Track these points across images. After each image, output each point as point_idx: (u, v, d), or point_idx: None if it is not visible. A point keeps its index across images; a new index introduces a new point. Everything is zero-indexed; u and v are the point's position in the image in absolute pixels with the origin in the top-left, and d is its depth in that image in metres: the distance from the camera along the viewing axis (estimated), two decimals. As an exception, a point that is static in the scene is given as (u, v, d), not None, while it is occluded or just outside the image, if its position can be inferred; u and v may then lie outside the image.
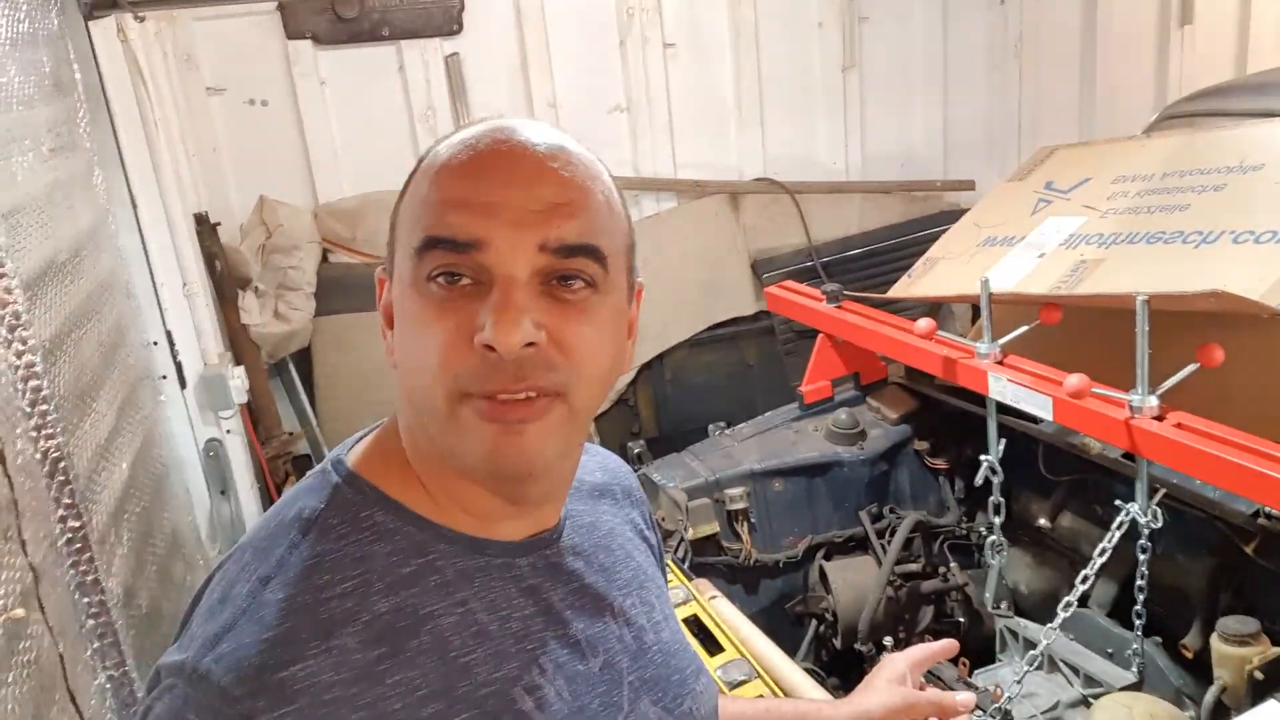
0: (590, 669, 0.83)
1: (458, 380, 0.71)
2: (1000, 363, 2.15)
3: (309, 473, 0.84)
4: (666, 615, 0.95)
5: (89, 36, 2.16)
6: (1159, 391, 1.80)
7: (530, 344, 0.70)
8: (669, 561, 2.22)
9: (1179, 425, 1.76)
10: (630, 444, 3.82)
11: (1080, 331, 2.26)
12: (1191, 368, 1.81)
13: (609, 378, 0.79)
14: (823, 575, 2.54)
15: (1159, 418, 1.79)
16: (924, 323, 2.28)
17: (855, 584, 2.48)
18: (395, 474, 0.80)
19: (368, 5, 3.72)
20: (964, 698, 1.06)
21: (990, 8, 4.39)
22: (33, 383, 1.38)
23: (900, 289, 2.69)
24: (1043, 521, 2.38)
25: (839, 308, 2.67)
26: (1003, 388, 2.09)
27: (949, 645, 1.03)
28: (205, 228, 3.40)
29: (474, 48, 3.80)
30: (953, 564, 2.54)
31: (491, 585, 0.79)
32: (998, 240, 2.53)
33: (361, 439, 0.85)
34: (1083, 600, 2.10)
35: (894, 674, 1.05)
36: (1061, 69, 4.33)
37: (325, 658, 0.70)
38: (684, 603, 2.01)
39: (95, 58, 2.18)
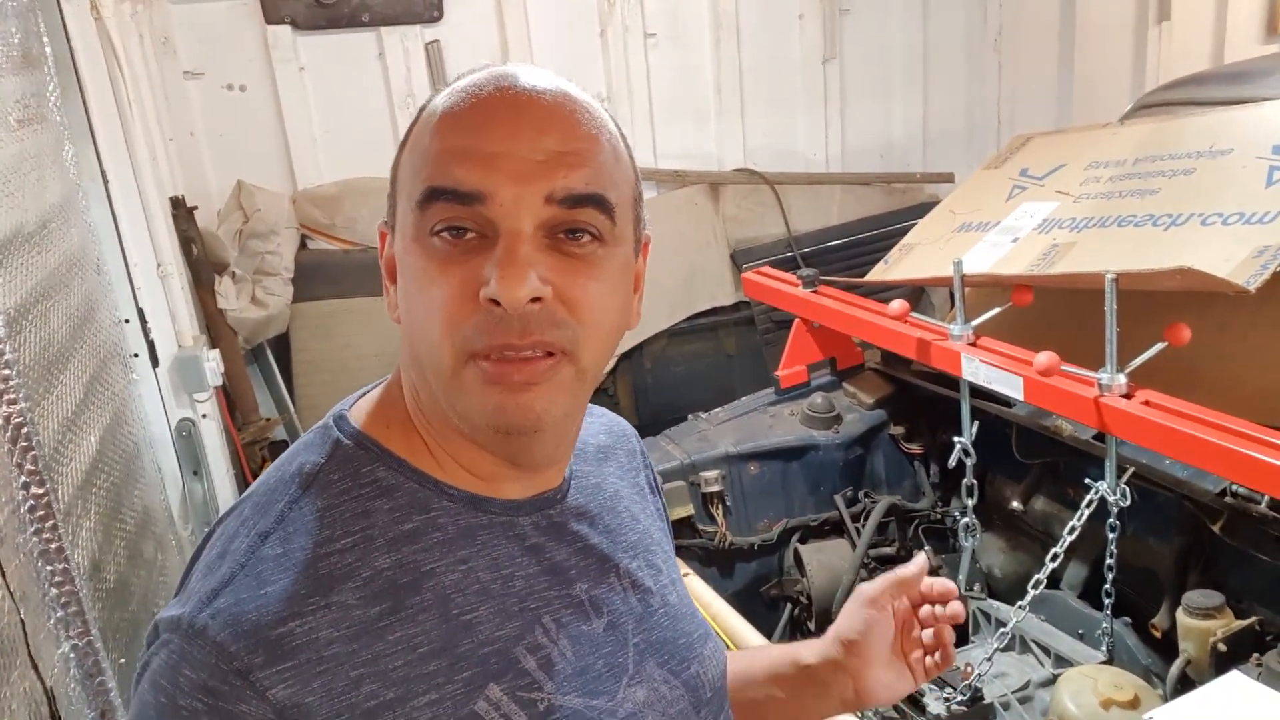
0: (594, 630, 0.81)
1: (464, 337, 0.70)
2: (973, 344, 2.16)
3: (310, 428, 0.82)
4: (673, 579, 0.93)
5: (60, 10, 2.14)
6: (1127, 370, 1.81)
7: (536, 299, 0.69)
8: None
9: (1147, 403, 1.78)
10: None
11: (1052, 314, 2.28)
12: (1159, 346, 1.82)
13: (616, 333, 0.77)
14: (797, 558, 2.55)
15: (1127, 395, 1.80)
16: (897, 304, 2.29)
17: (829, 566, 2.50)
18: (397, 430, 0.79)
19: (350, -7, 3.71)
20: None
21: (970, 1, 4.41)
22: (-4, 347, 1.37)
23: (876, 274, 2.71)
24: (1015, 504, 2.39)
25: (815, 292, 2.68)
26: (975, 368, 2.11)
27: (920, 564, 1.01)
28: (182, 211, 3.37)
29: (454, 35, 3.79)
30: (927, 547, 2.55)
31: (494, 543, 0.78)
32: (973, 226, 2.55)
33: (363, 395, 0.83)
34: (1054, 582, 2.12)
35: (862, 599, 1.02)
36: (1040, 62, 4.36)
37: (325, 614, 0.69)
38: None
39: (66, 32, 2.16)
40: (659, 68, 4.06)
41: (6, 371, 1.39)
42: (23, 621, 1.36)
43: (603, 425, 0.99)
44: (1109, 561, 1.93)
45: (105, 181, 2.29)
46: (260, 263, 3.61)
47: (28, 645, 1.36)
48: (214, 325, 3.46)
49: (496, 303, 0.68)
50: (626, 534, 0.89)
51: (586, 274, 0.72)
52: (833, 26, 4.24)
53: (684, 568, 2.11)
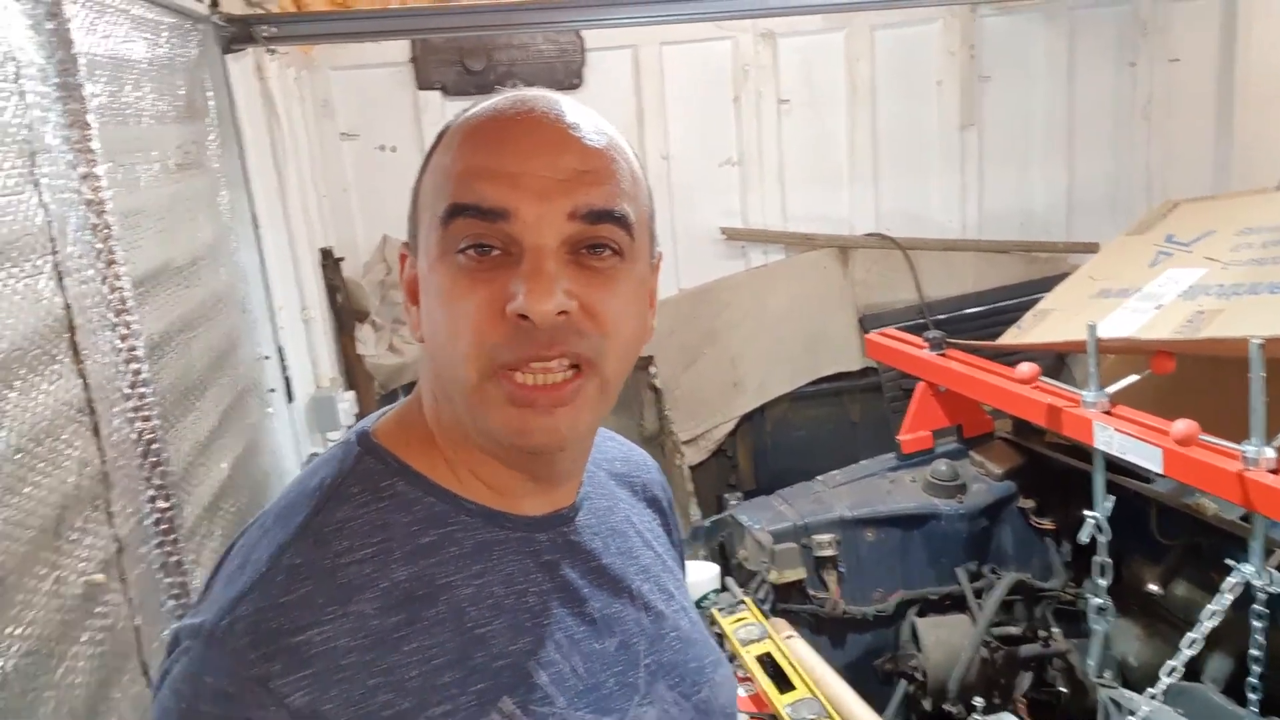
0: (606, 648, 0.81)
1: (492, 352, 0.71)
2: (1108, 413, 2.04)
3: (333, 444, 0.85)
4: (685, 606, 0.93)
5: (225, 69, 2.32)
6: (1276, 442, 1.67)
7: (563, 312, 0.71)
8: (746, 599, 2.17)
9: (1298, 478, 1.63)
10: (726, 495, 3.77)
11: (1195, 384, 2.14)
12: (1314, 418, 1.68)
13: (635, 345, 0.79)
14: (914, 632, 2.43)
15: (1275, 470, 1.66)
16: (1026, 367, 2.19)
17: (948, 643, 2.37)
18: (417, 445, 0.80)
19: (494, 59, 3.89)
20: None
21: (1118, 69, 4.27)
22: (134, 366, 1.47)
23: (1008, 338, 2.62)
24: (1153, 587, 2.23)
25: (941, 355, 2.60)
26: (1109, 438, 1.99)
27: None
28: (330, 261, 3.57)
29: (592, 101, 3.81)
30: (1055, 629, 2.40)
31: (509, 559, 0.78)
32: (1112, 292, 2.43)
33: (385, 413, 0.85)
34: (1195, 674, 1.95)
35: None
36: (1194, 131, 4.17)
37: (342, 622, 0.70)
38: (758, 640, 1.95)
39: (229, 89, 2.34)
40: (792, 133, 4.08)
41: (143, 390, 1.49)
42: (137, 629, 1.42)
43: (621, 453, 0.99)
44: (1254, 654, 1.77)
45: (256, 227, 2.44)
46: (399, 312, 3.76)
47: (140, 652, 1.42)
48: (352, 369, 3.62)
49: (524, 317, 0.70)
50: (639, 557, 0.89)
51: (608, 288, 0.74)
52: (972, 93, 4.17)
53: (788, 630, 2.04)
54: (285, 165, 2.91)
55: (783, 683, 1.82)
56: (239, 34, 2.31)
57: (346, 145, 3.84)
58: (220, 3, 2.31)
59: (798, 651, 1.92)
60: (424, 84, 3.89)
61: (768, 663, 1.89)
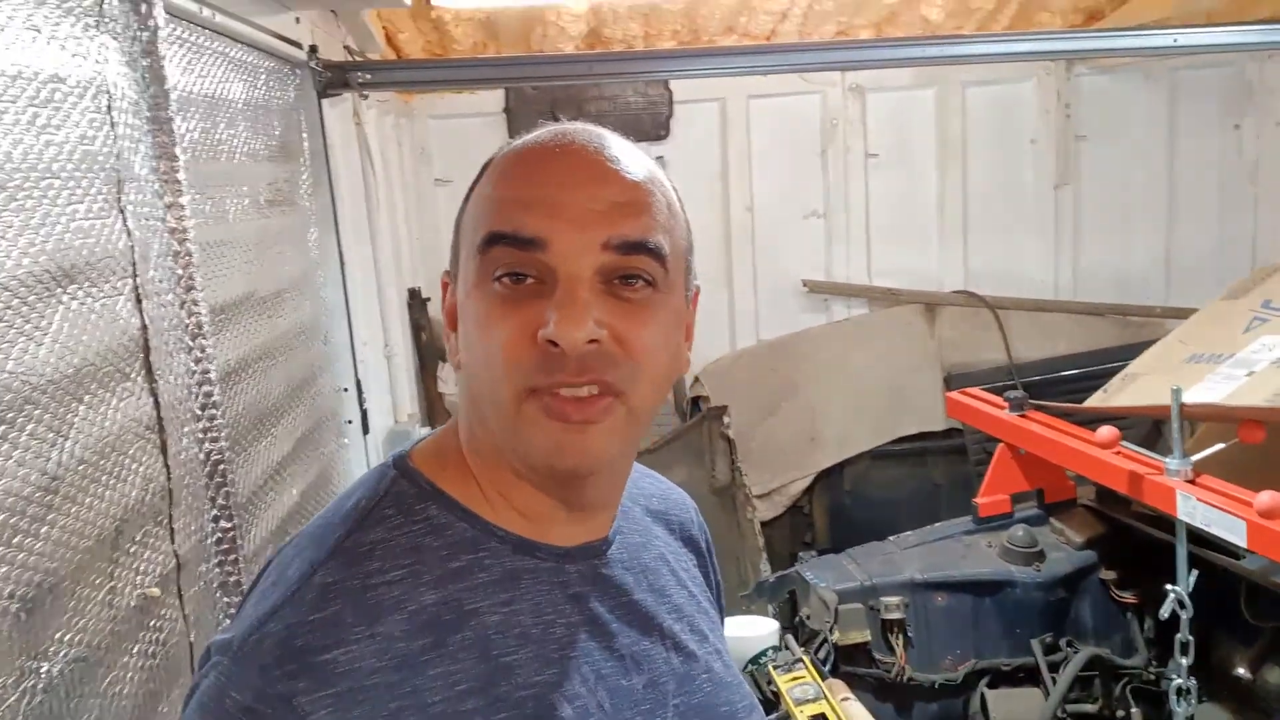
0: (634, 685, 0.80)
1: (523, 375, 0.72)
2: (1191, 482, 1.94)
3: (371, 469, 0.86)
4: (719, 649, 0.91)
5: (320, 113, 2.42)
6: (1373, 520, 1.57)
7: (593, 340, 0.71)
8: (804, 658, 2.11)
9: (1397, 560, 1.52)
10: (801, 554, 3.70)
11: (1289, 455, 2.02)
12: None
13: (668, 377, 0.79)
14: (984, 704, 2.34)
15: (1372, 550, 1.56)
16: (1106, 431, 2.11)
17: (1019, 717, 2.27)
18: (452, 471, 0.81)
19: (584, 110, 3.97)
20: None
21: (1222, 131, 4.12)
22: (206, 389, 1.52)
23: (1094, 401, 2.53)
24: (1242, 671, 2.10)
25: (1022, 416, 2.52)
26: (1192, 508, 1.89)
27: None
28: (416, 301, 3.67)
29: (678, 152, 3.95)
30: (1135, 710, 2.27)
31: (538, 589, 0.78)
32: (1204, 357, 2.33)
33: (424, 437, 0.87)
34: (1286, 767, 1.82)
35: None
36: (1305, 195, 3.99)
37: (369, 643, 0.70)
38: (813, 700, 1.90)
39: (324, 132, 2.44)
40: (879, 188, 4.04)
41: (213, 412, 1.54)
42: (191, 645, 1.46)
43: (659, 490, 0.99)
44: (1350, 748, 1.64)
45: (343, 265, 2.52)
46: (480, 354, 3.84)
47: (193, 670, 1.45)
48: (433, 406, 3.69)
49: (555, 344, 0.70)
50: (672, 595, 0.88)
51: (640, 318, 0.74)
52: (1067, 152, 4.08)
53: (845, 692, 1.98)
54: (376, 207, 3.01)
55: (834, 745, 1.76)
56: (335, 79, 2.41)
57: (441, 191, 3.96)
58: (320, 48, 2.42)
59: (852, 714, 1.85)
60: (516, 133, 3.96)
61: (820, 724, 1.84)
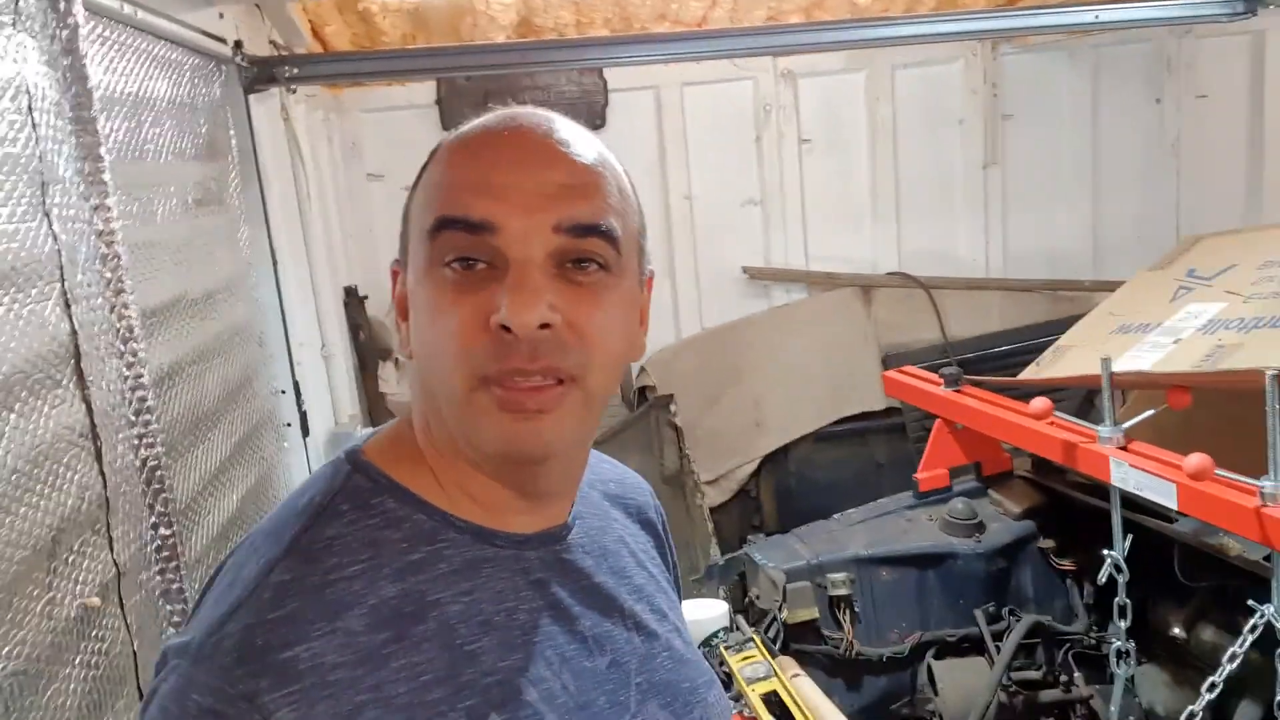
0: (597, 666, 0.81)
1: (476, 363, 0.72)
2: (1123, 449, 2.00)
3: (324, 463, 0.85)
4: (678, 627, 0.93)
5: (248, 110, 2.38)
6: (1295, 478, 1.63)
7: (545, 325, 0.71)
8: (754, 637, 2.14)
9: (1318, 515, 1.59)
10: (750, 536, 3.73)
11: (1213, 421, 2.10)
12: (1334, 454, 1.64)
13: (621, 362, 0.79)
14: (931, 675, 2.38)
15: (1295, 506, 1.62)
16: (1039, 402, 2.16)
17: (965, 686, 2.31)
18: (407, 463, 0.80)
19: (519, 99, 3.91)
20: None
21: (1144, 106, 4.25)
22: (139, 394, 1.49)
23: (1028, 374, 2.59)
24: (1178, 631, 2.17)
25: (957, 392, 2.57)
26: (1124, 474, 1.95)
27: None
28: (354, 300, 3.62)
29: (616, 141, 3.83)
30: (1077, 674, 2.34)
31: (499, 576, 0.78)
32: (1132, 327, 2.40)
33: (376, 432, 0.86)
34: (1223, 720, 1.89)
35: None
36: (1224, 169, 4.12)
37: (330, 639, 0.70)
38: (764, 678, 1.92)
39: (251, 129, 2.39)
40: (813, 172, 4.09)
41: (147, 418, 1.51)
42: (135, 654, 1.43)
43: (615, 474, 0.99)
44: (1279, 700, 1.71)
45: (275, 264, 2.48)
46: (422, 351, 3.80)
47: (137, 677, 1.42)
48: (374, 407, 3.65)
49: (507, 329, 0.70)
50: (631, 577, 0.89)
51: (593, 302, 0.74)
52: (994, 132, 4.16)
53: (795, 668, 2.01)
54: (308, 204, 2.96)
55: (788, 721, 1.79)
56: (261, 75, 2.37)
57: (374, 186, 3.91)
58: (245, 44, 2.37)
59: (803, 690, 1.88)
60: (449, 125, 3.85)
61: (773, 701, 1.86)
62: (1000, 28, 3.17)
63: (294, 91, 2.71)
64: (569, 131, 0.77)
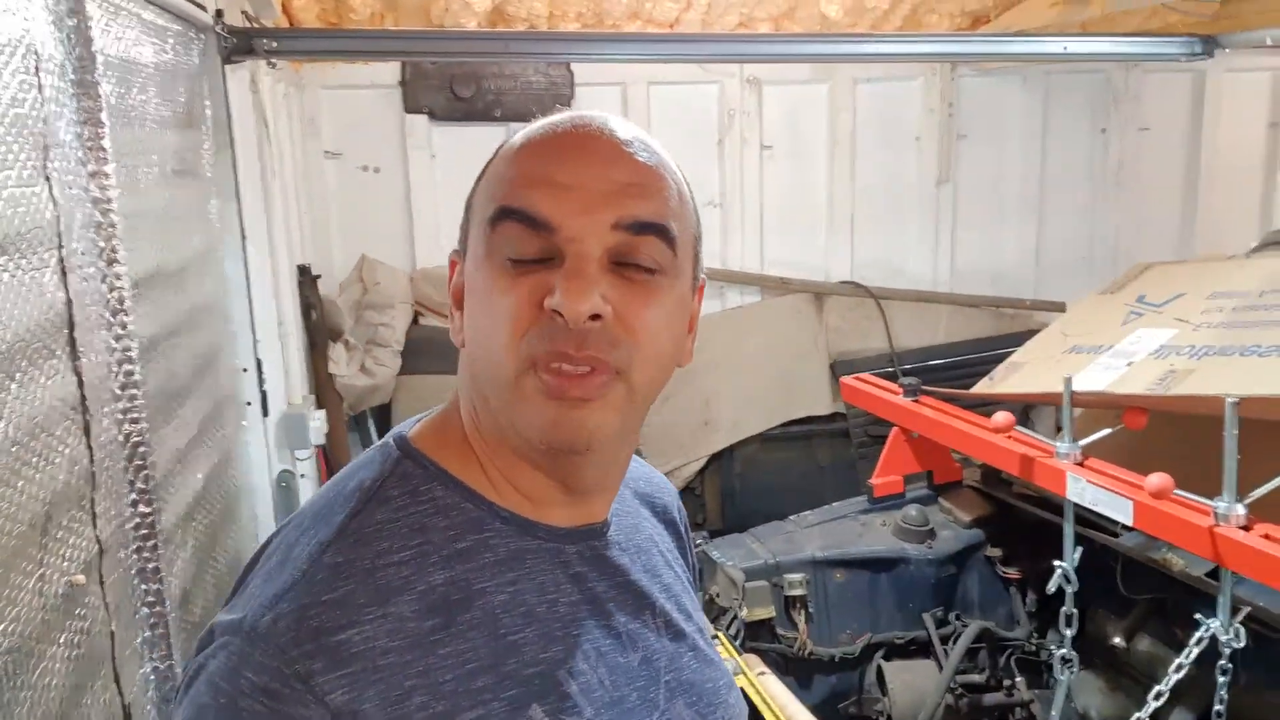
0: (630, 662, 0.82)
1: (526, 344, 0.73)
2: (1080, 464, 2.08)
3: (370, 448, 0.85)
4: (702, 627, 0.94)
5: (224, 79, 2.32)
6: (1247, 500, 1.72)
7: (596, 316, 0.72)
8: (719, 635, 2.17)
9: (1266, 536, 1.68)
10: (693, 534, 3.77)
11: (1165, 440, 2.19)
12: (1283, 479, 1.73)
13: (669, 363, 0.80)
14: (880, 676, 2.45)
15: (1246, 527, 1.71)
16: (1001, 416, 2.24)
17: (913, 688, 2.39)
18: (454, 451, 0.81)
19: (483, 87, 3.92)
20: None
21: (1091, 134, 4.41)
22: (126, 367, 1.45)
23: (981, 388, 2.66)
24: (1118, 641, 2.26)
25: (916, 402, 2.64)
26: (1081, 489, 2.03)
27: None
28: (307, 278, 3.55)
29: None
30: (1019, 679, 2.43)
31: (541, 568, 0.79)
32: (1085, 348, 2.49)
33: (422, 419, 0.86)
34: (1158, 727, 1.98)
35: None
36: (1162, 199, 4.31)
37: (382, 623, 0.70)
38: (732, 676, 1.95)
39: (227, 100, 2.33)
40: (773, 179, 4.15)
41: (134, 392, 1.47)
42: (113, 634, 1.39)
43: (644, 473, 1.01)
44: (1218, 708, 1.80)
45: (244, 239, 2.43)
46: (373, 334, 3.74)
47: (114, 659, 1.39)
48: (323, 388, 3.58)
49: (559, 314, 0.71)
50: (661, 575, 0.90)
51: (645, 300, 0.75)
52: (949, 150, 4.27)
53: (761, 667, 2.05)
54: (272, 179, 2.90)
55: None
56: (240, 45, 2.31)
57: (330, 164, 3.84)
58: (224, 14, 2.31)
59: (771, 689, 1.92)
60: (411, 108, 3.91)
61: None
62: (970, 52, 3.26)
63: (274, 65, 2.65)
64: (632, 133, 0.78)
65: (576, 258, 0.72)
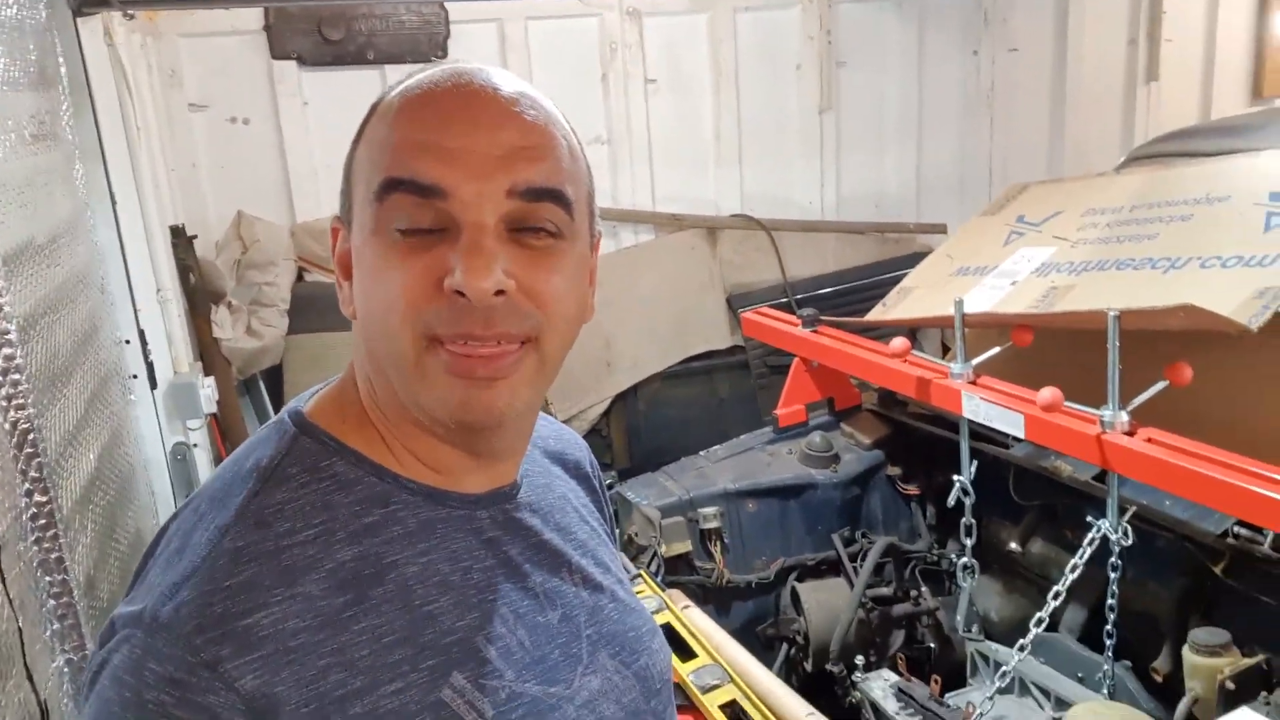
0: (550, 621, 0.83)
1: (426, 324, 0.71)
2: (973, 383, 2.17)
3: (264, 425, 0.83)
4: (620, 577, 0.95)
5: (76, 33, 2.16)
6: (1130, 407, 1.82)
7: (500, 292, 0.70)
8: (642, 573, 2.21)
9: (1150, 440, 1.79)
10: (604, 475, 3.81)
11: (1051, 356, 2.30)
12: (1161, 385, 1.84)
13: (575, 325, 0.79)
14: (795, 597, 2.53)
15: (1130, 433, 1.81)
16: (898, 342, 2.31)
17: (827, 606, 2.48)
18: (353, 425, 0.79)
19: (353, 29, 3.76)
20: None
21: (963, 57, 4.52)
22: (6, 350, 1.36)
23: (875, 315, 2.73)
24: (1013, 546, 2.39)
25: (815, 332, 2.69)
26: (975, 406, 2.11)
27: None
28: (181, 240, 3.38)
29: None
30: (924, 589, 2.54)
31: (452, 536, 0.79)
32: (970, 270, 2.58)
33: (317, 392, 0.84)
34: (1053, 625, 2.11)
35: None
36: (1031, 118, 4.45)
37: (290, 604, 0.69)
38: (657, 612, 1.99)
39: (82, 54, 2.18)
40: (659, 113, 4.12)
41: (16, 376, 1.39)
42: (20, 630, 1.33)
43: (552, 431, 1.01)
44: (1110, 603, 1.93)
45: (114, 203, 2.29)
46: (257, 294, 3.61)
47: (24, 656, 1.33)
48: (209, 353, 3.45)
49: (462, 294, 0.69)
50: (575, 532, 0.91)
51: (548, 267, 0.74)
52: (829, 78, 4.32)
53: (684, 601, 2.10)
54: (136, 137, 2.74)
55: (684, 651, 1.86)
56: (91, -5, 2.16)
57: (196, 117, 3.65)
58: (69, -39, 2.15)
59: (696, 621, 1.97)
60: (278, 53, 3.73)
61: (668, 633, 1.93)
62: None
63: (131, 17, 2.48)
64: (516, 87, 0.75)
65: (473, 228, 0.70)
